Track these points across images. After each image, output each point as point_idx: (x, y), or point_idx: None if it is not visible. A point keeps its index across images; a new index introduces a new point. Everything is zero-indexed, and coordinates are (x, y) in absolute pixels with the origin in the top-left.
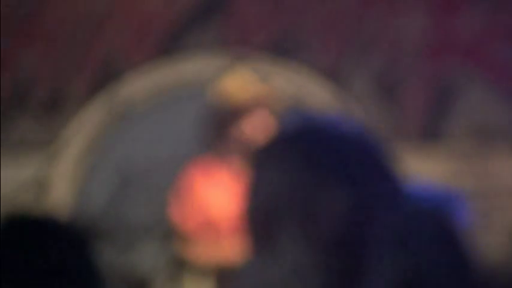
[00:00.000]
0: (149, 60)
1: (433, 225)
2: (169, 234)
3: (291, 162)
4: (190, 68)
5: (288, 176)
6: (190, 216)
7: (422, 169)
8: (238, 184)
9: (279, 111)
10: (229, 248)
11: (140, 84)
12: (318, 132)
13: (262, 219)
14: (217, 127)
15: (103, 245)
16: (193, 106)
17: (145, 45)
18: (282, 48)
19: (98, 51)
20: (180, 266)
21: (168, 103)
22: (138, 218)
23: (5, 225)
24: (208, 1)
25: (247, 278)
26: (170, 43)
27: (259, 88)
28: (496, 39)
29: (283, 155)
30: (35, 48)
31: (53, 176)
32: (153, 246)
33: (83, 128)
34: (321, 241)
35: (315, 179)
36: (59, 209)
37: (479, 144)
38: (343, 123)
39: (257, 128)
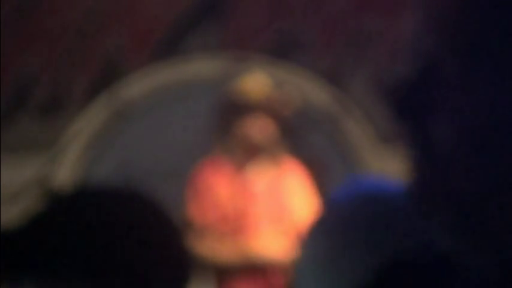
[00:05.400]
0: (150, 62)
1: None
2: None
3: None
4: (190, 69)
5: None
6: (208, 211)
7: None
8: (242, 181)
9: (286, 116)
10: (242, 244)
11: (141, 85)
12: (371, 207)
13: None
14: (224, 123)
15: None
16: (194, 107)
17: (146, 46)
18: (281, 50)
19: (99, 52)
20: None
21: (169, 104)
22: None
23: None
24: (208, 3)
25: None
26: (171, 44)
27: (272, 92)
28: None
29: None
30: (36, 49)
31: (55, 177)
32: None
33: (84, 128)
34: None
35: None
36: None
37: None
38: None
39: (260, 129)
